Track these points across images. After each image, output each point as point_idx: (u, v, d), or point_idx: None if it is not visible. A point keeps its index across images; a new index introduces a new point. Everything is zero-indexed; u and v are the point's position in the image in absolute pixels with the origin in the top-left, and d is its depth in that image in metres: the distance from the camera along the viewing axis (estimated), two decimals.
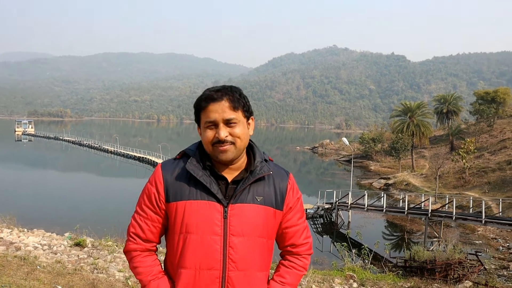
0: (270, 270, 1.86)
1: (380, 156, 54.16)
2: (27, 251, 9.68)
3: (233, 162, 1.72)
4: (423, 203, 23.13)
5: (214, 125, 1.66)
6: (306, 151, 79.30)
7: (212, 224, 1.66)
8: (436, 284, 10.30)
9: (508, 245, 19.95)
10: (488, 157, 38.15)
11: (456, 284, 10.64)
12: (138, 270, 1.77)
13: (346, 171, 47.87)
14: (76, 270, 7.70)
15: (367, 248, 12.19)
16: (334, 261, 12.41)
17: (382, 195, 23.64)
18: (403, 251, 18.13)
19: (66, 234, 13.72)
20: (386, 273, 11.48)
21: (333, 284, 9.07)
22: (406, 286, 9.81)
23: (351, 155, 43.81)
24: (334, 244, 20.32)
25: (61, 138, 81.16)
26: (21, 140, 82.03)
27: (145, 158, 50.63)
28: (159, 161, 42.19)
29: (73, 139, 76.72)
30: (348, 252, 12.73)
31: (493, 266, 15.76)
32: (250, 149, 1.81)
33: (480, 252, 15.83)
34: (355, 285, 9.29)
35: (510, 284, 12.06)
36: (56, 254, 9.93)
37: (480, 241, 20.91)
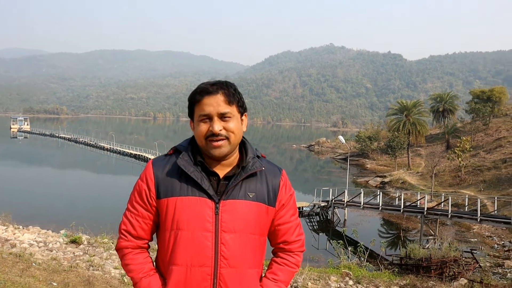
0: (262, 267, 1.85)
1: (376, 154, 54.27)
2: (23, 248, 9.65)
3: (226, 158, 1.70)
4: (419, 201, 23.20)
5: (208, 118, 1.65)
6: (302, 149, 79.34)
7: (203, 220, 1.65)
8: (431, 282, 10.33)
9: (503, 243, 20.05)
10: (483, 156, 38.28)
11: (451, 281, 10.68)
12: (129, 268, 1.76)
13: (342, 169, 47.94)
14: (71, 267, 7.68)
15: (363, 246, 12.23)
16: (330, 259, 12.43)
17: (378, 193, 23.72)
18: (399, 249, 18.19)
19: (62, 231, 13.68)
20: (382, 271, 11.51)
21: (329, 282, 9.08)
22: (402, 284, 9.84)
23: (348, 153, 43.87)
24: (330, 242, 20.34)
25: (57, 135, 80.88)
26: (16, 137, 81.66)
27: (141, 155, 50.47)
28: None
29: (69, 136, 76.42)
30: (344, 249, 12.74)
31: (488, 264, 15.83)
32: (242, 145, 1.79)
33: (475, 250, 15.89)
34: (350, 282, 9.30)
35: (505, 282, 12.10)
36: (51, 251, 9.90)
37: (476, 239, 21.00)
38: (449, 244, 14.25)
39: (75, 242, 11.03)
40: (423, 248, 14.17)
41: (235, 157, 1.75)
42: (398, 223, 24.54)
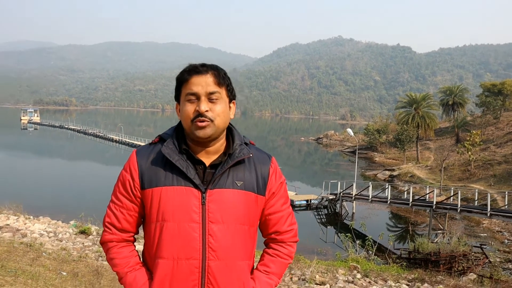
0: (254, 259, 1.78)
1: (385, 148, 54.04)
2: (33, 238, 9.74)
3: (211, 144, 1.65)
4: (427, 195, 23.08)
5: (196, 98, 1.59)
6: (310, 142, 79.17)
7: (190, 211, 1.58)
8: (440, 276, 10.29)
9: None
10: (494, 150, 37.96)
11: (460, 276, 10.63)
12: (114, 262, 1.70)
13: (351, 162, 47.83)
14: (81, 257, 7.74)
15: (371, 240, 12.20)
16: (338, 252, 12.43)
17: (387, 186, 23.60)
18: (407, 242, 18.13)
19: (72, 222, 13.82)
20: (390, 265, 11.49)
21: (337, 275, 9.07)
22: (410, 278, 9.81)
23: (356, 146, 43.70)
24: (338, 235, 20.32)
25: (66, 126, 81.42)
26: (27, 129, 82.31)
27: None
28: None
29: (78, 128, 76.90)
30: (352, 243, 12.72)
31: (498, 259, 15.72)
32: (229, 132, 1.73)
33: (485, 245, 15.81)
34: (358, 276, 9.29)
35: None
36: (61, 241, 9.99)
37: (485, 234, 20.87)
38: (458, 238, 14.17)
39: (84, 232, 11.13)
40: (432, 243, 14.12)
41: (221, 144, 1.68)
42: (407, 217, 24.45)
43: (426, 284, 9.16)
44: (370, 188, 23.44)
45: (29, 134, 75.05)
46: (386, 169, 40.42)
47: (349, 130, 35.03)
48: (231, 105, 1.69)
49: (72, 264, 7.02)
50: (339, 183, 25.33)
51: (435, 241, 16.42)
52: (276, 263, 1.78)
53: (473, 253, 12.43)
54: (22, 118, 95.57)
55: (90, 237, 10.81)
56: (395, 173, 37.90)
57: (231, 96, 1.69)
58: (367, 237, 12.51)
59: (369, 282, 9.06)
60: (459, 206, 19.27)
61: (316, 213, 25.05)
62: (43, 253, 7.66)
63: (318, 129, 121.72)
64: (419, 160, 42.81)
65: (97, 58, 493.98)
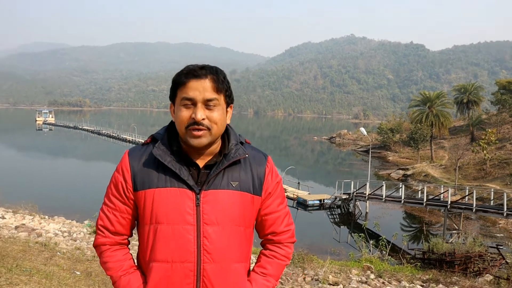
0: (250, 261, 1.75)
1: (398, 147, 53.64)
2: (48, 238, 9.84)
3: (206, 147, 1.60)
4: (442, 195, 22.83)
5: (192, 104, 1.53)
6: (323, 141, 78.91)
7: (184, 212, 1.55)
8: (455, 277, 10.17)
9: None
10: (510, 148, 37.41)
11: (476, 277, 10.49)
12: (107, 266, 1.66)
13: (364, 161, 47.57)
14: (94, 257, 7.79)
15: (384, 239, 12.10)
16: (351, 252, 12.35)
17: (400, 186, 23.41)
18: (422, 243, 17.97)
19: (86, 222, 13.95)
20: (404, 265, 11.38)
21: (350, 275, 9.01)
22: (425, 278, 9.71)
23: (369, 145, 43.45)
24: (351, 235, 20.22)
25: (81, 127, 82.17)
26: (41, 130, 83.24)
27: None
28: None
29: (92, 129, 77.57)
30: (365, 243, 12.63)
31: None
32: (225, 131, 1.68)
33: (502, 245, 15.55)
34: (372, 276, 9.22)
35: None
36: (75, 241, 10.08)
37: (502, 234, 20.59)
38: (474, 239, 13.98)
39: None
40: (447, 243, 13.97)
41: (217, 145, 1.64)
42: (421, 217, 24.23)
43: (440, 285, 9.06)
44: (384, 187, 23.27)
45: (44, 135, 75.92)
46: (399, 168, 40.11)
47: (362, 129, 34.81)
48: (228, 109, 1.66)
49: (85, 263, 7.07)
50: (352, 182, 25.20)
51: (450, 241, 16.24)
52: (273, 264, 1.74)
53: (489, 254, 12.22)
54: (37, 119, 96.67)
55: None
56: (409, 173, 37.61)
57: (229, 101, 1.65)
58: (380, 237, 12.41)
59: (383, 282, 8.98)
60: (474, 205, 19.04)
61: (329, 213, 24.96)
62: (58, 253, 7.73)
63: (331, 129, 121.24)
64: (433, 159, 42.40)
65: (110, 59, 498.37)
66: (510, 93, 50.24)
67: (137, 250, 1.75)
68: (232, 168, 1.62)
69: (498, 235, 20.45)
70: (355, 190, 24.77)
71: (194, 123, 1.52)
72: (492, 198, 22.50)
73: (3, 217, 12.56)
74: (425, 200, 21.26)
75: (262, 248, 1.81)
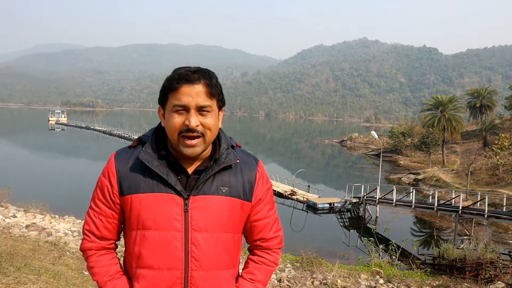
0: (238, 267, 1.72)
1: (409, 151, 53.25)
2: (58, 237, 9.91)
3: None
4: (453, 200, 22.57)
5: (185, 110, 1.48)
6: (334, 144, 78.65)
7: (171, 218, 1.51)
8: (466, 284, 10.05)
9: None
10: None
11: (487, 284, 10.36)
12: (93, 271, 1.62)
13: (375, 165, 47.29)
14: None
15: (394, 244, 12.02)
16: (360, 256, 12.29)
17: (411, 190, 23.22)
18: (432, 248, 17.81)
19: None
20: (413, 270, 11.28)
21: (359, 280, 8.95)
22: (434, 285, 9.61)
23: (380, 149, 43.17)
24: (361, 239, 20.10)
25: (92, 127, 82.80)
26: (54, 129, 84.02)
27: None
28: None
29: (104, 129, 78.09)
30: (375, 247, 12.56)
31: None
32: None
33: None
34: (381, 281, 9.15)
35: None
36: None
37: None
38: (485, 245, 13.80)
39: None
40: (457, 248, 13.81)
41: (208, 150, 1.59)
42: (432, 222, 24.01)
43: None
44: (394, 191, 23.09)
45: (56, 135, 76.63)
46: (410, 173, 39.82)
47: (374, 133, 34.63)
48: (220, 112, 1.61)
49: None
50: (362, 186, 25.07)
51: (460, 247, 16.06)
52: (262, 270, 1.71)
53: (501, 261, 12.06)
54: (50, 119, 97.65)
55: None
56: (420, 177, 37.32)
57: (221, 105, 1.60)
58: (390, 242, 12.32)
59: (392, 287, 8.91)
60: (486, 211, 18.80)
61: (339, 217, 24.83)
62: (67, 252, 7.78)
63: (342, 132, 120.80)
64: (445, 164, 42.03)
65: (123, 60, 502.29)
66: None
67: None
68: (222, 173, 1.58)
69: (510, 241, 20.18)
70: (365, 194, 24.62)
71: (187, 130, 1.48)
72: (504, 204, 22.20)
73: (14, 216, 12.68)
74: (436, 205, 21.04)
75: (249, 254, 1.78)
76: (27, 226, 11.00)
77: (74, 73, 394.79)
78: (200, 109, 1.49)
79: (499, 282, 10.46)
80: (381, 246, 13.09)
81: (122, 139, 65.69)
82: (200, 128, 1.49)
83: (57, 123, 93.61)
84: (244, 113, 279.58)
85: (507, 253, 13.71)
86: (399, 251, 12.21)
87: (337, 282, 8.29)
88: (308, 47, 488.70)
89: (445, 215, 23.49)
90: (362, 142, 72.91)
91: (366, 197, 24.38)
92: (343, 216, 25.01)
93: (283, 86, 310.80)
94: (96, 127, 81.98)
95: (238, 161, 1.61)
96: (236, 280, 1.68)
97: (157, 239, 1.51)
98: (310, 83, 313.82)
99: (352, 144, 73.55)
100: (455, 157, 45.48)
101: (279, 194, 28.80)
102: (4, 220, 11.54)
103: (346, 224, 24.12)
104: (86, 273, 6.24)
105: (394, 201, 22.67)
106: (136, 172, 1.54)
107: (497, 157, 32.79)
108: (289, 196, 28.05)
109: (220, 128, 1.64)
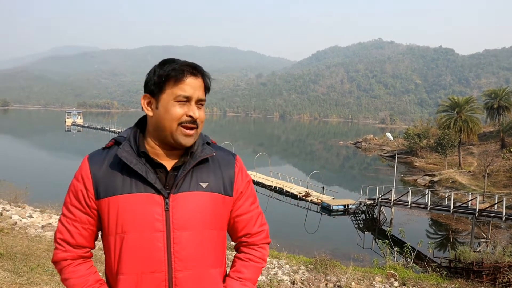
0: (225, 266, 1.67)
1: (425, 152, 52.73)
2: None
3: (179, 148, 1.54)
4: (470, 202, 22.28)
5: (187, 101, 1.48)
6: (349, 145, 78.26)
7: (152, 219, 1.45)
8: None
9: None
10: None
11: None
12: (70, 282, 1.52)
13: (390, 167, 46.94)
14: None
15: (409, 246, 11.88)
16: (375, 259, 12.17)
17: (427, 192, 22.97)
18: (448, 251, 17.59)
19: None
20: (429, 273, 11.13)
21: (374, 282, 8.87)
22: None
23: (395, 150, 42.82)
24: (375, 241, 19.95)
25: (108, 129, 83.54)
26: (70, 131, 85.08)
27: None
28: None
29: (119, 130, 78.36)
30: (389, 249, 12.43)
31: None
32: None
33: None
34: (396, 284, 9.05)
35: None
36: (99, 241, 10.19)
37: None
38: (503, 248, 13.58)
39: None
40: (474, 251, 13.62)
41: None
42: (447, 224, 23.72)
43: None
44: (410, 193, 22.87)
45: (73, 136, 77.58)
46: (426, 174, 39.41)
47: (389, 134, 34.39)
48: None
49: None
50: (377, 188, 24.88)
51: (477, 250, 15.84)
52: (249, 267, 1.66)
53: None
54: (66, 120, 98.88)
55: None
56: (435, 179, 36.91)
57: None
58: (405, 244, 12.19)
59: None
60: (504, 214, 18.51)
61: (353, 218, 24.69)
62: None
63: (357, 133, 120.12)
64: (461, 166, 41.50)
65: (138, 62, 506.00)
66: None
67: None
68: (201, 169, 1.56)
69: None
70: (380, 195, 24.43)
71: (191, 121, 1.49)
72: None
73: (30, 216, 12.83)
74: (452, 207, 20.79)
75: (236, 252, 1.74)
76: (43, 226, 11.12)
77: (90, 75, 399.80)
78: (198, 102, 1.51)
79: None
80: (396, 249, 12.95)
81: None
82: (198, 120, 1.51)
83: (74, 125, 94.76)
84: (259, 114, 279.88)
85: None
86: (414, 254, 12.06)
87: (351, 284, 8.22)
88: (322, 48, 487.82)
89: (461, 218, 23.21)
90: (377, 144, 72.41)
91: (381, 199, 24.19)
92: (357, 218, 24.86)
93: (298, 88, 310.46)
94: (112, 129, 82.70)
95: (214, 154, 1.59)
96: (224, 280, 1.63)
97: (138, 242, 1.46)
98: (324, 84, 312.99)
99: (367, 145, 73.09)
100: (471, 159, 44.89)
101: (293, 196, 28.77)
102: (20, 220, 11.69)
103: (360, 226, 23.98)
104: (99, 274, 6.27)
105: (409, 203, 22.46)
106: (113, 172, 1.49)
107: None
108: (304, 197, 27.99)
109: None
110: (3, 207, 13.79)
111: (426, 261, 13.43)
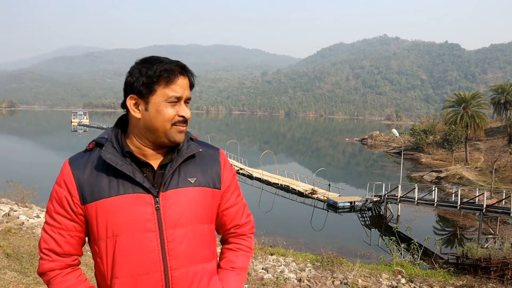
0: (217, 258, 1.68)
1: (431, 149, 52.51)
2: None
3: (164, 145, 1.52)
4: (477, 198, 22.17)
5: (178, 101, 1.46)
6: (355, 142, 78.10)
7: (143, 219, 1.42)
8: (491, 284, 9.84)
9: None
10: None
11: None
12: None
13: (396, 163, 46.79)
14: None
15: (416, 243, 11.83)
16: (382, 256, 12.13)
17: (433, 188, 22.87)
18: (455, 247, 17.54)
19: None
20: (436, 270, 11.09)
21: (381, 279, 8.84)
22: (458, 284, 9.43)
23: (401, 147, 42.67)
24: (382, 238, 19.90)
25: None
26: (76, 131, 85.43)
27: None
28: None
29: None
30: (396, 246, 12.40)
31: None
32: None
33: None
34: (403, 280, 9.02)
35: None
36: None
37: None
38: (511, 244, 13.52)
39: None
40: (482, 248, 13.54)
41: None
42: (455, 220, 23.62)
43: None
44: (416, 190, 22.77)
45: (79, 136, 77.86)
46: (433, 171, 39.24)
47: (394, 131, 34.29)
48: None
49: None
50: (384, 184, 24.81)
51: (485, 246, 15.74)
52: (240, 257, 1.68)
53: None
54: (73, 120, 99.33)
55: None
56: (442, 175, 36.74)
57: None
58: (412, 241, 12.14)
59: (414, 287, 8.78)
60: (511, 209, 18.41)
61: (360, 215, 24.64)
62: (88, 252, 7.87)
63: (363, 130, 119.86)
64: (468, 161, 41.28)
65: None
66: None
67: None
68: (187, 164, 1.54)
69: None
70: (386, 192, 24.36)
71: (183, 121, 1.48)
72: None
73: (38, 216, 12.89)
74: (459, 203, 20.68)
75: (224, 244, 1.74)
76: None
77: (96, 75, 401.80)
78: (186, 101, 1.51)
79: None
80: (402, 245, 12.89)
81: None
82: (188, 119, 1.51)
83: (80, 125, 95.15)
84: (264, 112, 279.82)
85: None
86: (421, 250, 12.02)
87: (358, 281, 8.20)
88: (327, 46, 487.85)
89: (468, 214, 23.08)
90: (383, 140, 72.22)
91: (387, 196, 24.12)
92: (364, 215, 24.81)
93: (303, 85, 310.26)
94: None
95: (201, 150, 1.58)
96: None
97: (131, 244, 1.42)
98: (330, 81, 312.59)
99: (373, 142, 72.91)
100: (478, 154, 44.66)
101: (299, 193, 28.74)
102: (28, 220, 11.75)
103: (367, 223, 23.93)
104: None
105: (416, 199, 22.37)
106: (98, 175, 1.45)
107: None
108: (310, 195, 27.96)
109: None
110: (10, 207, 13.86)
111: (433, 258, 13.37)
